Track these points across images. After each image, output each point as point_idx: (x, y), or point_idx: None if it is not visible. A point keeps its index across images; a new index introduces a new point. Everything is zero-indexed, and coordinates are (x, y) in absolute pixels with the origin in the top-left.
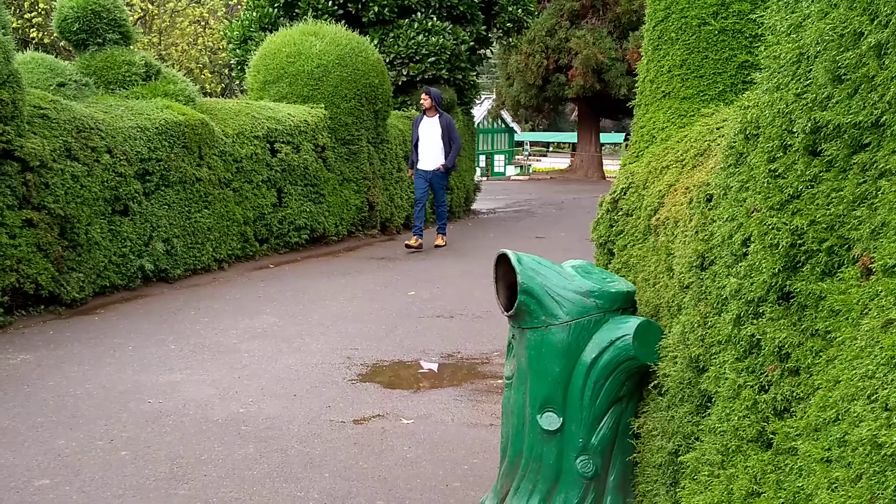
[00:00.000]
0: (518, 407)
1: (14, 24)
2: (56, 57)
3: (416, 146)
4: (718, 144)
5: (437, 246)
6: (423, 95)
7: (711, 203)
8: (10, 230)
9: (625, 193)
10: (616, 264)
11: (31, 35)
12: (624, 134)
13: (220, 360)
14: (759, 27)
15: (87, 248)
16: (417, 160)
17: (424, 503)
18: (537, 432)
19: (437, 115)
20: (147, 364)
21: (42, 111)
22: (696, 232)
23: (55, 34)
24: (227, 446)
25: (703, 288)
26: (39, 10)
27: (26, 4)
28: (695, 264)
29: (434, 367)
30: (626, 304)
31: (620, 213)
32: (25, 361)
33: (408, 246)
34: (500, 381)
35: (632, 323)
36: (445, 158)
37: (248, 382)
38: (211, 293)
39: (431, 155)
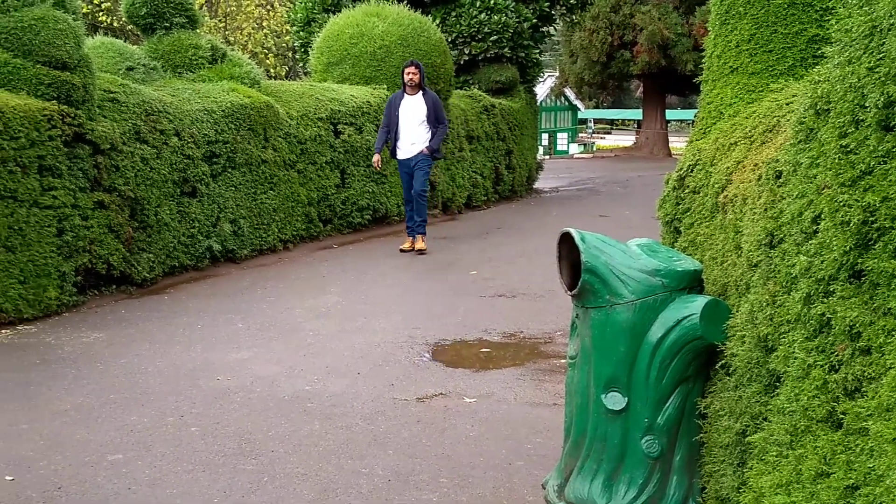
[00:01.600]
0: (582, 387)
1: (84, 9)
2: (125, 41)
3: (392, 131)
4: (788, 120)
5: (418, 251)
6: (409, 69)
7: (781, 180)
8: (82, 212)
9: (692, 171)
10: (683, 243)
11: (101, 19)
12: (693, 111)
13: (286, 338)
14: (830, 0)
15: (157, 229)
16: (397, 148)
17: (487, 481)
18: (602, 412)
19: (421, 91)
20: (215, 342)
21: (112, 95)
22: (765, 209)
23: (124, 19)
24: (294, 423)
25: (772, 266)
26: None
27: None
28: (764, 242)
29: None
30: (692, 283)
31: (687, 191)
32: (98, 340)
33: (402, 250)
34: (562, 360)
35: (699, 302)
36: (431, 140)
37: (313, 360)
38: (276, 273)
39: (415, 139)
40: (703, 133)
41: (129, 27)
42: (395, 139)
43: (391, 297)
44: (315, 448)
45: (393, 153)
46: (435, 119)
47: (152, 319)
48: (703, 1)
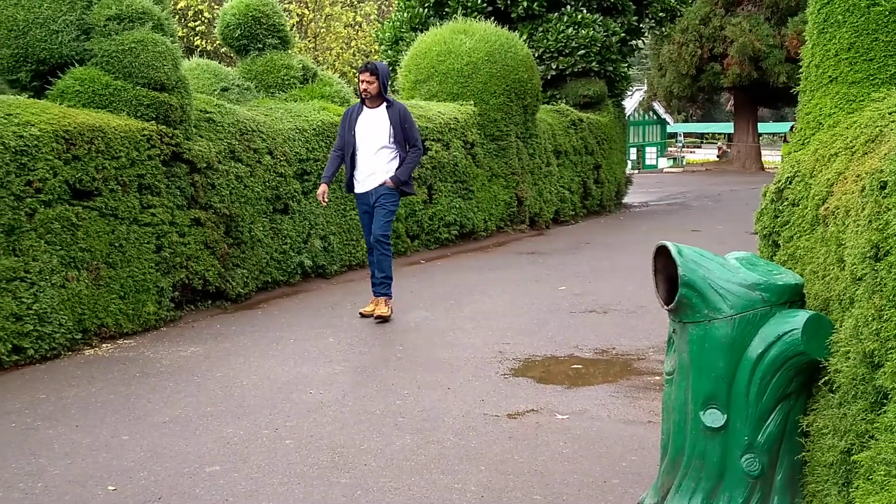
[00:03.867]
0: (679, 403)
1: (180, 33)
2: (219, 63)
3: (346, 155)
4: (892, 129)
5: (377, 317)
6: (362, 75)
7: (886, 191)
8: (179, 229)
9: (790, 182)
10: (782, 256)
11: (196, 43)
12: (786, 124)
13: (376, 352)
14: None
15: (251, 245)
16: (353, 179)
17: (582, 499)
18: (700, 429)
19: (384, 103)
20: (308, 356)
21: (208, 115)
22: (870, 221)
23: (218, 41)
24: (385, 437)
25: (878, 280)
26: (203, 18)
27: (190, 13)
28: (868, 255)
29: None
30: (793, 298)
31: (786, 203)
32: (195, 354)
33: (362, 314)
34: (656, 377)
35: (800, 317)
36: (397, 170)
37: (403, 375)
38: (366, 288)
39: (374, 168)
40: (802, 144)
41: (224, 49)
42: (351, 166)
43: (479, 311)
44: (407, 462)
45: (349, 185)
46: (403, 139)
47: (246, 334)
48: (796, 12)
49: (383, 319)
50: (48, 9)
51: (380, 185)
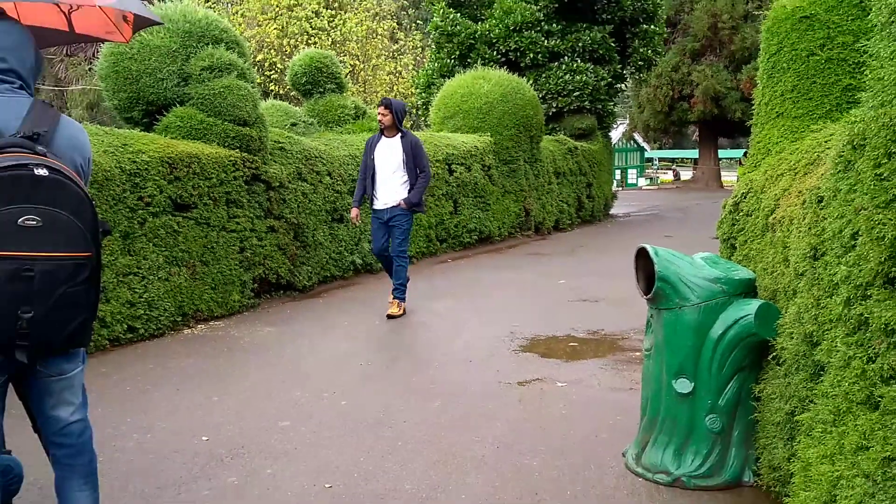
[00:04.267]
0: (656, 374)
1: (258, 80)
2: (289, 103)
3: (368, 177)
4: (827, 154)
5: (389, 316)
6: (380, 109)
7: (822, 203)
8: (258, 234)
9: (745, 197)
10: (738, 256)
11: (271, 88)
12: (740, 150)
13: (412, 333)
14: (862, 56)
15: (314, 247)
16: (374, 196)
17: (578, 450)
18: (672, 395)
19: (399, 134)
20: (358, 336)
21: (280, 145)
22: (809, 228)
23: (288, 86)
24: (420, 400)
25: (816, 275)
26: (276, 69)
27: (266, 64)
28: (808, 255)
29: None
30: (747, 290)
31: (741, 214)
32: (270, 333)
33: (390, 315)
34: (638, 353)
35: (753, 304)
36: (409, 193)
37: (433, 351)
38: None
39: (391, 187)
40: (754, 166)
41: (293, 92)
42: (372, 186)
43: (495, 301)
44: (438, 420)
45: (371, 201)
46: (414, 166)
47: (310, 318)
48: (749, 60)
49: (392, 317)
50: (156, 62)
51: (394, 206)
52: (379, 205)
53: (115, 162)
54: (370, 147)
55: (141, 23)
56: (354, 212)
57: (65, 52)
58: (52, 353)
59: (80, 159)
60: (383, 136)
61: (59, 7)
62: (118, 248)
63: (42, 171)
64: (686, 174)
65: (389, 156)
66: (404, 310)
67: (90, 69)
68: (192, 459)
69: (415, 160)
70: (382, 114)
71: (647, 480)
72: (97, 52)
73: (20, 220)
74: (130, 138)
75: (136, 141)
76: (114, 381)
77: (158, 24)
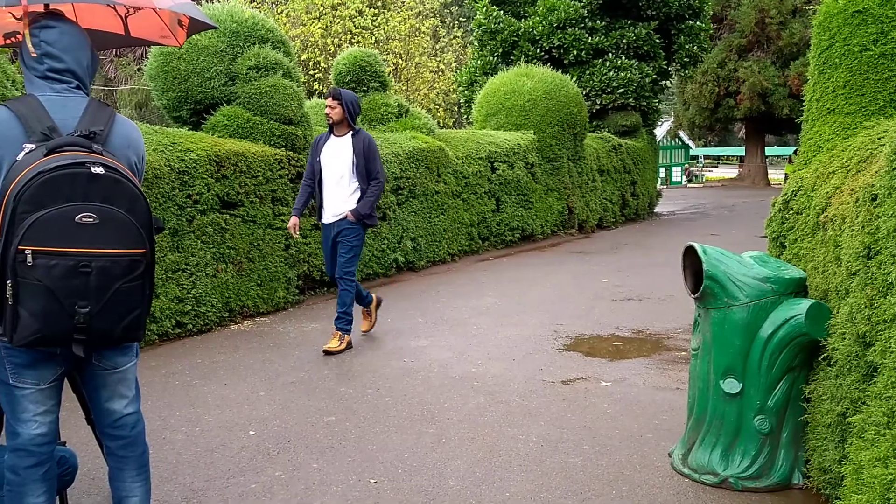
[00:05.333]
0: (703, 373)
1: (303, 79)
2: None
3: (317, 184)
4: (881, 151)
5: (325, 352)
6: (327, 101)
7: (876, 202)
8: (302, 232)
9: (795, 195)
10: (788, 255)
11: (314, 87)
12: (788, 148)
13: (455, 330)
14: None
15: None
16: (321, 208)
17: (623, 449)
18: (720, 395)
19: (350, 132)
20: (401, 332)
21: None
22: (863, 227)
23: (332, 85)
24: (464, 397)
25: (870, 274)
26: (320, 68)
27: (311, 64)
28: (861, 254)
29: None
30: (798, 289)
31: (791, 212)
32: (315, 329)
33: (326, 351)
34: (683, 353)
35: (804, 304)
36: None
37: (477, 348)
38: (447, 280)
39: (339, 197)
40: (805, 164)
41: None
42: (319, 196)
43: (538, 299)
44: (481, 417)
45: (318, 214)
46: (365, 171)
47: (353, 314)
48: (797, 56)
49: (330, 353)
50: (203, 62)
51: (342, 219)
52: (327, 217)
53: (164, 160)
54: (316, 148)
55: (195, 27)
56: (292, 221)
57: (114, 52)
58: (107, 347)
59: (135, 157)
60: (332, 135)
61: (115, 10)
62: (167, 244)
63: (98, 169)
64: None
65: (337, 159)
66: (349, 343)
67: (139, 69)
68: (239, 453)
69: (367, 163)
70: (330, 106)
71: (693, 481)
72: (146, 52)
73: (78, 217)
74: (179, 137)
75: (184, 139)
76: (162, 375)
77: (213, 27)
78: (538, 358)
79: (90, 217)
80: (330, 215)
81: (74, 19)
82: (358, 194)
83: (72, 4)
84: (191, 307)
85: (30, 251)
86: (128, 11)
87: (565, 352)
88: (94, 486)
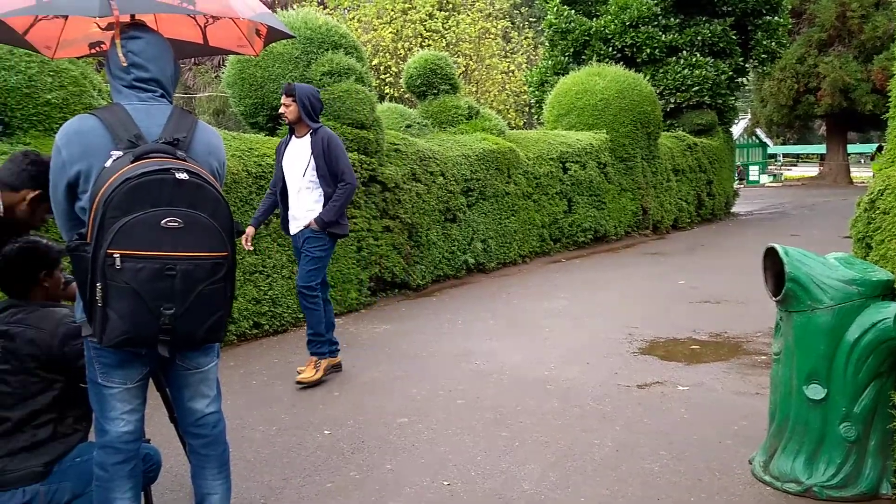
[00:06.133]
0: (785, 379)
1: (374, 83)
2: (404, 105)
3: (279, 191)
4: None
5: (298, 383)
6: (283, 98)
7: None
8: (374, 234)
9: (882, 194)
10: (874, 257)
11: (386, 91)
12: (871, 145)
13: (527, 333)
14: None
15: (427, 246)
16: (288, 217)
17: (701, 456)
18: (803, 401)
19: (309, 132)
20: (473, 334)
21: (395, 146)
22: None
23: (403, 89)
24: (537, 400)
25: None
26: (391, 72)
27: (382, 68)
28: None
29: None
30: (885, 292)
31: (878, 212)
32: (386, 331)
33: (299, 382)
34: (763, 357)
35: (892, 307)
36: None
37: (549, 351)
38: (518, 281)
39: (302, 204)
40: (892, 161)
41: (407, 95)
42: (283, 204)
43: (612, 301)
44: (555, 421)
45: (283, 225)
46: (329, 172)
47: (424, 316)
48: (881, 50)
49: (306, 385)
50: (279, 68)
51: (305, 228)
52: (293, 228)
53: (241, 165)
54: (279, 152)
55: (273, 36)
56: (248, 231)
57: (193, 61)
58: (190, 348)
59: (216, 163)
60: (293, 137)
61: (195, 20)
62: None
63: (183, 175)
64: (812, 170)
65: (297, 162)
66: (330, 367)
67: (217, 77)
68: (315, 452)
69: (329, 165)
70: (285, 104)
71: (775, 489)
72: (224, 60)
73: (163, 221)
74: (256, 142)
75: (261, 145)
76: (241, 375)
77: (290, 36)
78: (612, 361)
79: (175, 221)
80: (294, 226)
81: (156, 28)
82: (321, 201)
83: (154, 15)
84: (267, 308)
85: (118, 255)
86: (207, 21)
87: (640, 355)
88: (177, 482)
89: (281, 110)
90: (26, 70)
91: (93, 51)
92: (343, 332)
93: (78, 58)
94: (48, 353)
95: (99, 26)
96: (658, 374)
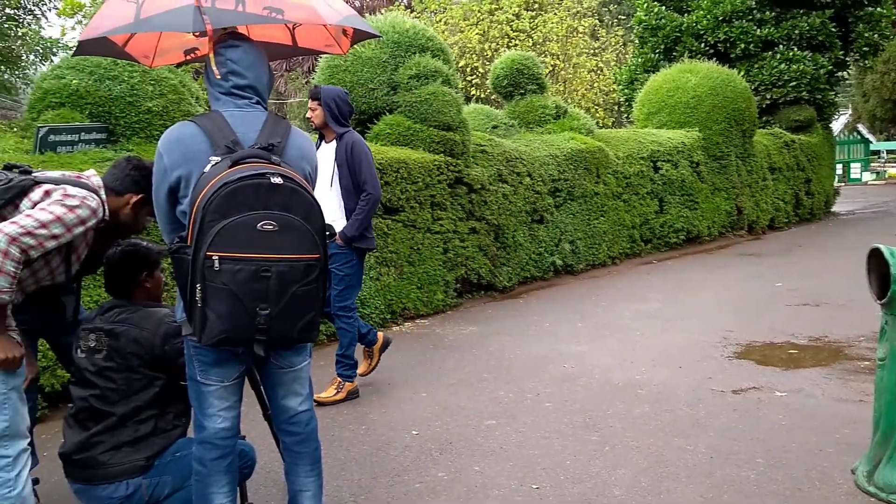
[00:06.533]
0: (891, 385)
1: (460, 85)
2: (490, 106)
3: None
4: None
5: (317, 402)
6: (310, 102)
7: None
8: (460, 236)
9: None
10: None
11: (472, 92)
12: None
13: (617, 335)
14: None
15: (514, 248)
16: None
17: (800, 464)
18: None
19: (336, 138)
20: (560, 337)
21: (482, 147)
22: None
23: (489, 90)
24: (627, 405)
25: None
26: (477, 73)
27: (468, 70)
28: None
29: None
30: None
31: None
32: (473, 332)
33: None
34: (866, 362)
35: None
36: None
37: (640, 354)
38: (607, 283)
39: (328, 215)
40: None
41: (493, 96)
42: None
43: (705, 304)
44: (646, 426)
45: None
46: (351, 183)
47: (511, 318)
48: None
49: (321, 404)
50: (367, 73)
51: (331, 242)
52: None
53: None
54: None
55: (359, 36)
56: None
57: (284, 67)
58: (284, 347)
59: (308, 167)
60: (323, 143)
61: (285, 24)
62: None
63: (278, 180)
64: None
65: (324, 170)
66: (351, 392)
67: (307, 83)
68: (403, 452)
69: (351, 174)
70: (311, 108)
71: (879, 500)
72: (313, 66)
73: (259, 224)
74: None
75: None
76: (330, 375)
77: (376, 36)
78: (706, 365)
79: (270, 224)
80: None
81: (247, 33)
82: (343, 209)
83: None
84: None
85: (217, 257)
86: (296, 24)
87: (735, 359)
88: (270, 478)
89: (307, 115)
90: (129, 80)
91: (188, 57)
92: (430, 334)
93: (176, 65)
94: (150, 352)
95: (193, 34)
96: (754, 379)
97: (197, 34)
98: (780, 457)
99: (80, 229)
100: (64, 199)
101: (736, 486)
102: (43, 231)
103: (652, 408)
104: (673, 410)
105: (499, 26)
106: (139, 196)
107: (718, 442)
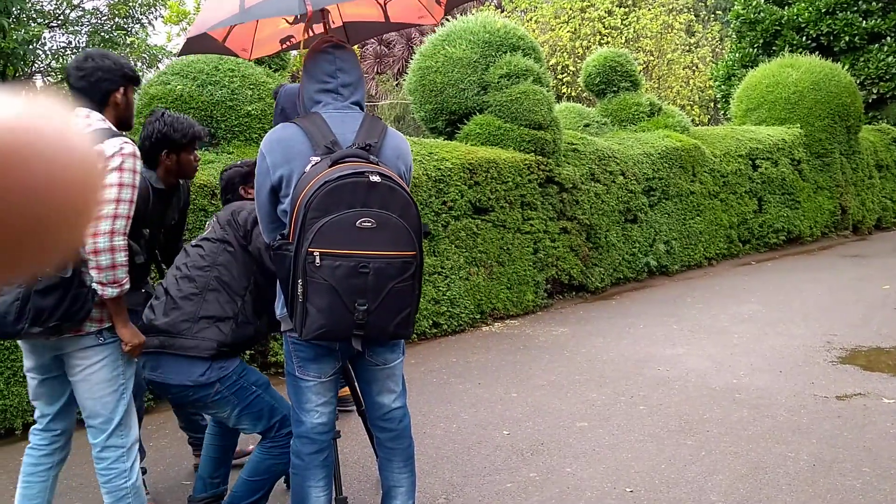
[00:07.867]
0: None
1: (551, 83)
2: (582, 105)
3: None
4: None
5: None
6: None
7: None
8: (551, 236)
9: None
10: None
11: (563, 91)
12: None
13: (714, 338)
14: None
15: (606, 248)
16: None
17: None
18: None
19: None
20: (655, 339)
21: (573, 146)
22: None
23: (581, 88)
24: (725, 409)
25: None
26: (569, 71)
27: (559, 68)
28: None
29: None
30: None
31: None
32: (564, 333)
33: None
34: None
35: None
36: None
37: (739, 358)
38: (703, 285)
39: None
40: None
41: (585, 94)
42: None
43: (807, 307)
44: (745, 431)
45: None
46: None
47: (603, 319)
48: None
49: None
50: (458, 73)
51: None
52: None
53: (422, 169)
54: None
55: (453, 2)
56: None
57: (375, 70)
58: (380, 343)
59: (403, 167)
60: None
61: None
62: (425, 248)
63: (376, 178)
64: None
65: None
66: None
67: (398, 84)
68: (494, 452)
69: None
70: None
71: None
72: (403, 68)
73: (358, 222)
74: (435, 147)
75: (440, 149)
76: (421, 373)
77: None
78: (808, 370)
79: (369, 222)
80: None
81: (339, 15)
82: None
83: (336, 4)
84: (446, 308)
85: (318, 253)
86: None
87: (840, 365)
88: (364, 473)
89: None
90: (229, 84)
91: (284, 45)
92: (519, 334)
93: (270, 56)
94: (244, 228)
95: (287, 21)
96: (860, 386)
97: (292, 20)
98: (888, 466)
99: (139, 178)
100: (108, 163)
101: (840, 495)
102: (121, 207)
103: (751, 413)
104: (773, 416)
105: (590, 24)
106: (165, 150)
107: (821, 449)
